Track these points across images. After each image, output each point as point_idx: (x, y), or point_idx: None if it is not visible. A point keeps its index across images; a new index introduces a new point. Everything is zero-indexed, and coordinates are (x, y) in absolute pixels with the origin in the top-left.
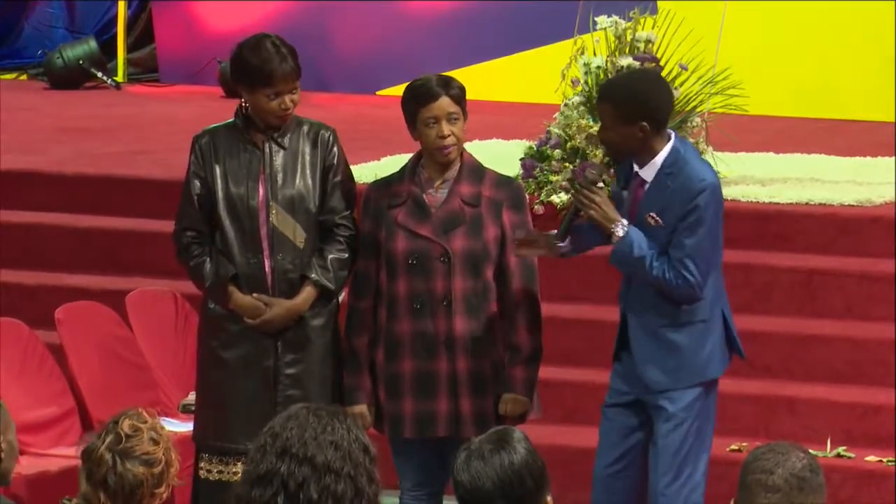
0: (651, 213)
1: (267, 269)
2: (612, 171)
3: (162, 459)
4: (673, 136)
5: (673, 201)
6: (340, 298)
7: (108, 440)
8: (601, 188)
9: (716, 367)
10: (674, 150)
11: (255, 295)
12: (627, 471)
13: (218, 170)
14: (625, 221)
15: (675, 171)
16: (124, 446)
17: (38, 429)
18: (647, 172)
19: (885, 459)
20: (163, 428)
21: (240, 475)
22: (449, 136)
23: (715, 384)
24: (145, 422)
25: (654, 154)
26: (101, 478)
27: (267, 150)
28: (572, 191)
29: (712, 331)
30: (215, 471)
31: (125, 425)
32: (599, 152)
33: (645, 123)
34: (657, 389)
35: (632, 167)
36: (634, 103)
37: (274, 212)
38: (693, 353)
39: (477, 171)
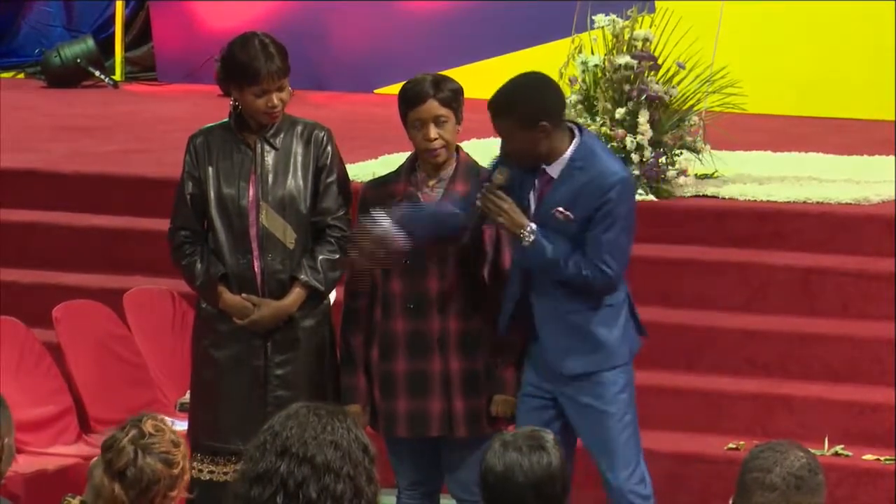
0: (559, 208)
1: (256, 270)
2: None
3: (180, 463)
4: (579, 131)
5: (583, 194)
6: (332, 299)
7: (131, 434)
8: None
9: (622, 354)
10: (582, 145)
11: (243, 295)
12: None
13: (211, 170)
14: (533, 226)
15: (584, 165)
16: (147, 442)
17: (35, 427)
18: (554, 169)
19: (882, 458)
20: (180, 438)
21: (230, 475)
22: (435, 139)
23: (631, 372)
24: (166, 425)
25: (559, 152)
26: (120, 469)
27: (258, 149)
28: (478, 195)
29: (622, 312)
30: (206, 470)
31: (148, 424)
32: None
33: (545, 123)
34: (573, 374)
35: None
36: (530, 107)
37: (264, 212)
38: (606, 335)
39: (472, 171)
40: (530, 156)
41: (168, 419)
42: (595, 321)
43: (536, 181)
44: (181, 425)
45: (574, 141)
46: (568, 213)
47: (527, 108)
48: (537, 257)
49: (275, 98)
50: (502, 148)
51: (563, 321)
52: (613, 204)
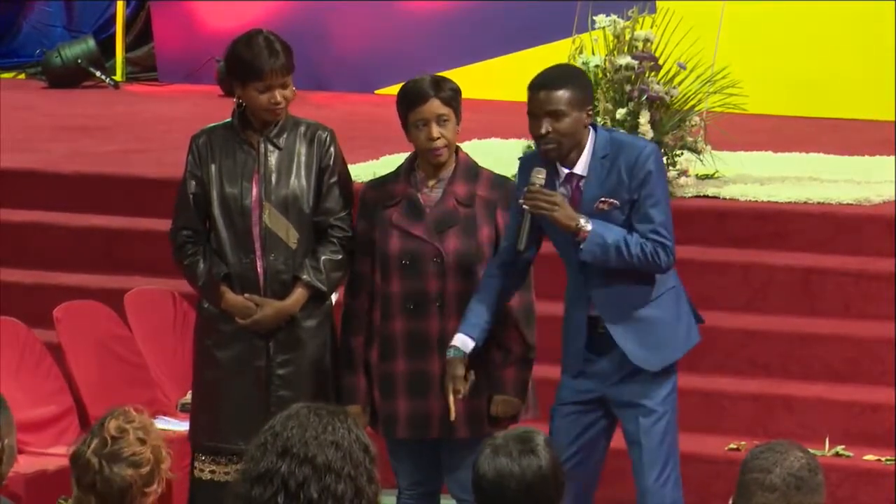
0: (601, 199)
1: (259, 270)
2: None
3: (150, 458)
4: (593, 127)
5: (622, 178)
6: (334, 299)
7: (93, 444)
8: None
9: (695, 333)
10: (601, 137)
11: (246, 295)
12: (585, 462)
13: (213, 169)
14: (585, 217)
15: (611, 153)
16: (110, 450)
17: (36, 428)
18: (581, 166)
19: (883, 458)
20: (151, 425)
21: (231, 475)
22: (438, 138)
23: (676, 376)
24: (132, 421)
25: (581, 148)
26: (90, 483)
27: (262, 149)
28: (524, 198)
29: (681, 295)
30: (208, 470)
31: (111, 427)
32: None
33: (590, 107)
34: (650, 369)
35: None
36: (587, 86)
37: (267, 212)
38: (673, 324)
39: (472, 171)
40: (570, 139)
41: (133, 411)
42: (660, 311)
43: (563, 185)
44: (182, 426)
45: (590, 136)
46: (611, 199)
47: (582, 82)
48: (598, 247)
49: (278, 95)
50: (551, 123)
51: (629, 319)
52: (653, 175)
